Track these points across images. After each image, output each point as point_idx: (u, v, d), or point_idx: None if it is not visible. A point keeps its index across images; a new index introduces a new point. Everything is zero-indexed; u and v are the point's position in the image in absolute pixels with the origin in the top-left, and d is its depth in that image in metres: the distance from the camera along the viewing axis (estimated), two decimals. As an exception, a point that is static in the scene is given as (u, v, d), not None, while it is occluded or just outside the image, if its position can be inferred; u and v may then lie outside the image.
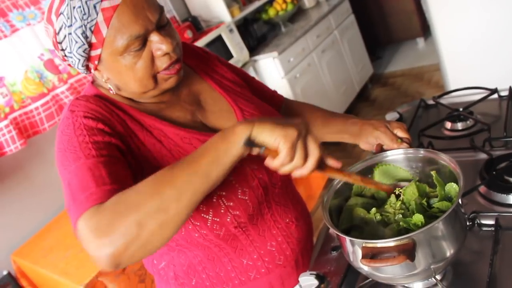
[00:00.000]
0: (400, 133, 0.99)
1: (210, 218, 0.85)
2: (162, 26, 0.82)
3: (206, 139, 0.86)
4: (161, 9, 0.82)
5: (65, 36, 0.79)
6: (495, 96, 1.28)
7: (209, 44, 2.99)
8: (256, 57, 3.29)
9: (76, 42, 0.78)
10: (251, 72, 3.25)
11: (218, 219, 0.86)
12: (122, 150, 0.80)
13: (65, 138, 0.79)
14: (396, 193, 0.84)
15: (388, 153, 0.93)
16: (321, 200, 0.86)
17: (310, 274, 0.91)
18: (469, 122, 1.22)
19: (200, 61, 1.04)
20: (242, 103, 0.99)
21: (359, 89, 4.12)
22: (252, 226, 0.92)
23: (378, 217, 0.82)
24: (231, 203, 0.86)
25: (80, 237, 0.66)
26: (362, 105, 4.14)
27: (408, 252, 0.67)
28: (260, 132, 0.69)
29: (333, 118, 1.14)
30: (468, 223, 0.88)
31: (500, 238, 0.84)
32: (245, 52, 3.23)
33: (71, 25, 0.77)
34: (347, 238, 0.75)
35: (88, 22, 0.76)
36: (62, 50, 0.81)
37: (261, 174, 0.91)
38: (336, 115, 1.15)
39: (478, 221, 0.88)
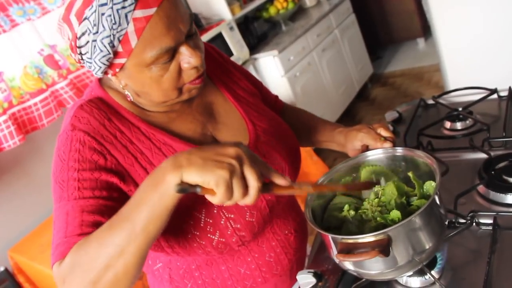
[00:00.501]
0: (384, 132, 0.98)
1: (216, 238, 0.84)
2: (192, 37, 0.78)
3: None
4: (191, 18, 0.78)
5: (87, 42, 0.73)
6: (495, 96, 1.28)
7: (209, 42, 2.98)
8: (256, 56, 3.29)
9: (101, 51, 0.73)
10: (251, 71, 3.24)
11: (223, 240, 0.85)
12: (112, 183, 0.78)
13: (59, 164, 0.78)
14: (375, 190, 0.85)
15: (368, 153, 0.93)
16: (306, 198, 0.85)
17: (308, 272, 0.91)
18: (469, 122, 1.22)
19: (215, 66, 1.00)
20: (254, 116, 0.96)
21: (359, 88, 4.12)
22: (251, 238, 0.91)
23: (352, 213, 0.83)
24: (239, 225, 0.85)
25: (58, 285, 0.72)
26: (362, 104, 4.14)
27: (381, 247, 0.67)
28: (190, 175, 0.63)
29: (322, 127, 1.14)
30: (465, 222, 0.88)
31: (498, 237, 0.84)
32: (245, 50, 3.22)
33: (97, 32, 0.71)
34: (329, 236, 0.75)
35: (117, 32, 0.71)
36: (81, 54, 0.77)
37: (269, 196, 0.89)
38: (325, 123, 1.15)
39: (477, 220, 0.88)
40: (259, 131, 0.94)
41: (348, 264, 0.76)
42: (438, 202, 0.75)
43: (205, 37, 2.97)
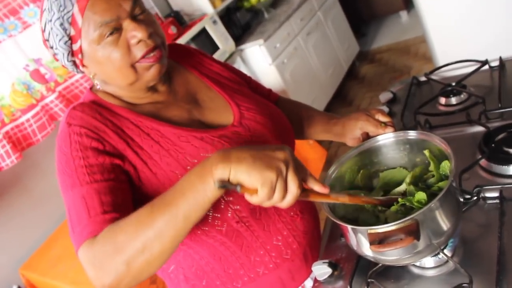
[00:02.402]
0: (382, 118, 1.00)
1: (210, 214, 0.86)
2: (138, 16, 0.84)
3: (203, 136, 0.88)
4: (138, 1, 0.84)
5: (49, 32, 0.83)
6: (486, 67, 1.28)
7: (194, 38, 2.96)
8: (242, 46, 3.27)
9: (57, 34, 0.82)
10: (238, 62, 3.23)
11: (219, 215, 0.87)
12: (116, 165, 0.82)
13: (63, 158, 0.82)
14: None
15: (379, 137, 0.94)
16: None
17: (323, 262, 0.93)
18: (463, 96, 1.23)
19: (196, 62, 1.06)
20: (238, 98, 1.00)
21: (347, 68, 4.13)
22: (255, 221, 0.92)
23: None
24: (231, 198, 0.87)
25: (82, 265, 0.73)
26: (352, 83, 4.14)
27: (414, 233, 0.69)
28: (238, 172, 0.66)
29: (317, 118, 1.15)
30: (471, 198, 0.90)
31: (505, 209, 0.85)
32: (231, 42, 3.21)
33: (51, 20, 0.81)
34: (349, 227, 0.76)
35: (65, 14, 0.80)
36: (51, 48, 0.86)
37: None
38: (320, 114, 1.16)
39: (483, 195, 0.90)
40: (243, 110, 0.97)
41: (367, 251, 0.77)
42: (454, 183, 0.76)
43: (190, 34, 2.95)
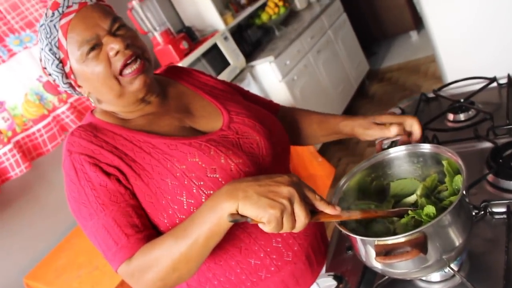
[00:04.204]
0: (416, 128, 1.00)
1: (185, 200, 0.88)
2: (117, 31, 0.91)
3: (191, 142, 0.92)
4: (113, 16, 0.91)
5: (44, 59, 0.91)
6: (494, 84, 1.28)
7: (205, 54, 3.00)
8: (253, 63, 3.30)
9: (49, 59, 0.90)
10: (248, 78, 3.26)
11: (193, 201, 0.88)
12: (119, 188, 0.88)
13: (74, 187, 0.89)
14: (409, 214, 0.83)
15: (391, 150, 0.94)
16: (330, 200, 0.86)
17: (328, 275, 0.92)
18: (471, 113, 1.23)
19: (191, 78, 1.13)
20: (229, 105, 1.04)
21: (357, 86, 4.14)
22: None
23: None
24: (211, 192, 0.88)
25: (124, 279, 0.86)
26: (362, 102, 4.15)
27: (420, 246, 0.68)
28: (244, 209, 0.73)
29: (326, 120, 1.18)
30: (478, 213, 0.89)
31: (513, 225, 0.85)
32: (242, 58, 3.24)
33: (43, 48, 0.90)
34: (358, 238, 0.75)
35: (52, 39, 0.88)
36: (49, 75, 0.93)
37: (247, 168, 0.92)
38: (328, 116, 1.19)
39: (490, 210, 0.89)
40: (232, 115, 1.01)
41: (375, 263, 0.76)
42: (466, 198, 0.76)
43: (201, 50, 2.99)
